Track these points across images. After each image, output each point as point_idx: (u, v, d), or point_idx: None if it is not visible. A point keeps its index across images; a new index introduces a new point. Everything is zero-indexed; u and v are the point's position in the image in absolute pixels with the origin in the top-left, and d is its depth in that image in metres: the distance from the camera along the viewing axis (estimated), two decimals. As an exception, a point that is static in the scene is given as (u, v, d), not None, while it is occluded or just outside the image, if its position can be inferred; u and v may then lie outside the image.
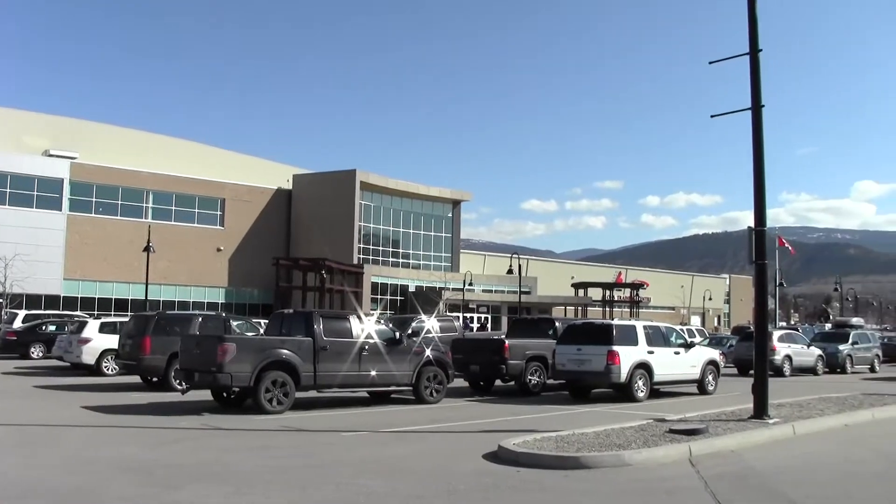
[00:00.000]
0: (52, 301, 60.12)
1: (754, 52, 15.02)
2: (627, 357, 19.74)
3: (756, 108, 15.02)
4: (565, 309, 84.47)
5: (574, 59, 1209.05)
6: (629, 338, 20.22)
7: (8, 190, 61.86)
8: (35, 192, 63.01)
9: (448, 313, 53.45)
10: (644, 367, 20.13)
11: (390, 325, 19.43)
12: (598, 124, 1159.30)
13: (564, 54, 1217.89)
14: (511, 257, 62.46)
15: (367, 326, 18.14)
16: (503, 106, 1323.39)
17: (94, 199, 65.68)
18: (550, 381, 22.25)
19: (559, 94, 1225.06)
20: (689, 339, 24.91)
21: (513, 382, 22.37)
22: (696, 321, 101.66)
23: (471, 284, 67.34)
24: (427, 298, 67.84)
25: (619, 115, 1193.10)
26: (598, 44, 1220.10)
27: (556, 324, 24.33)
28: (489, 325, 73.88)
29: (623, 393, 20.01)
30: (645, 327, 21.19)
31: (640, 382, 20.05)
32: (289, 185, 76.67)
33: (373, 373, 17.73)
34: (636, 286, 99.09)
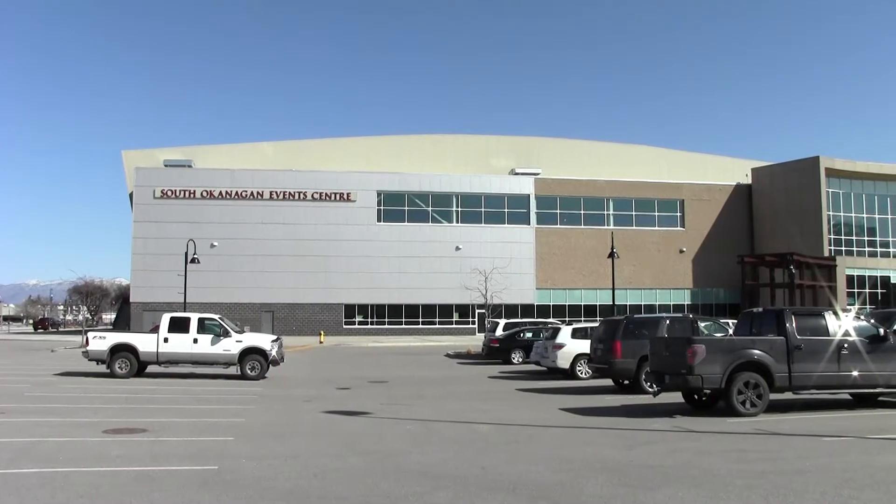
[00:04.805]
0: (526, 309, 64.65)
1: None
2: None
3: None
4: None
5: None
6: None
7: (482, 209, 68.00)
8: (505, 209, 68.46)
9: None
10: None
11: (872, 321, 17.78)
12: None
13: None
14: None
15: (844, 323, 16.90)
16: None
17: (557, 211, 69.47)
18: None
19: None
20: None
21: None
22: None
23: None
24: (913, 290, 61.46)
25: None
26: None
27: None
28: None
29: None
30: None
31: None
32: (747, 180, 74.28)
33: (854, 373, 16.36)
34: None
